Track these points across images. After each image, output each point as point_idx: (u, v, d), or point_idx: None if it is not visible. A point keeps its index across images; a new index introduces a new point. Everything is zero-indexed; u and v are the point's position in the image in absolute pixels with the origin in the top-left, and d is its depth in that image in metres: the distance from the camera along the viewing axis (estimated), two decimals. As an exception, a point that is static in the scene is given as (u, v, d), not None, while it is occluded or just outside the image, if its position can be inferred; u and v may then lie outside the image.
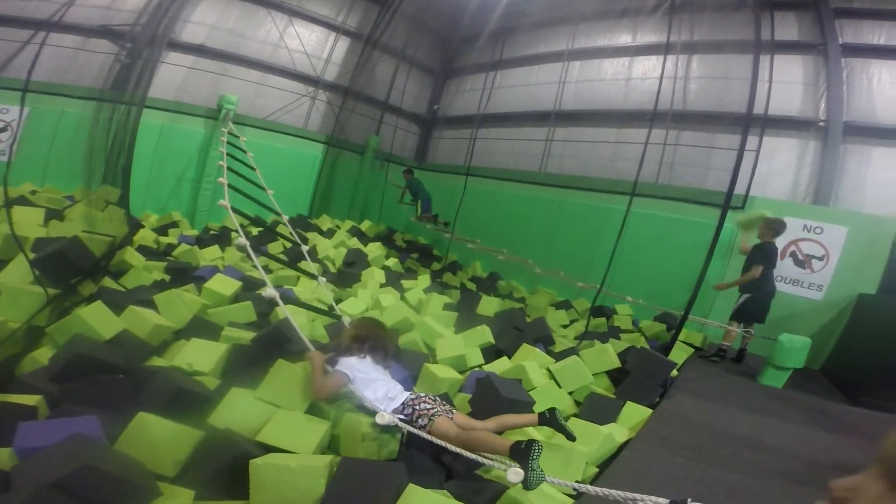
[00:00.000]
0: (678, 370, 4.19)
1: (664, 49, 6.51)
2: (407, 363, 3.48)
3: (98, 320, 2.93)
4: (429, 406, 2.47)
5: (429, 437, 2.30)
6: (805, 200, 6.48)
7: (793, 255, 5.79)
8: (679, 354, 4.50)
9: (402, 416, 2.46)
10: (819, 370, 5.27)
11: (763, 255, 4.73)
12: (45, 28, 6.55)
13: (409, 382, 3.25)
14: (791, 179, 6.67)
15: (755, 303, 4.75)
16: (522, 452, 1.99)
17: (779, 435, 3.13)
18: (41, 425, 1.87)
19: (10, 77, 6.76)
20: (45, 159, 7.06)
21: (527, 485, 1.91)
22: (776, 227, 4.84)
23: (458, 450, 2.20)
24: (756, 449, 2.84)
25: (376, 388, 2.58)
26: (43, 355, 2.65)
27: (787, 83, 6.62)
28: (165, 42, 7.47)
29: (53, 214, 5.29)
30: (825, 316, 5.51)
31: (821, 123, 6.50)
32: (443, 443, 2.26)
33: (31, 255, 3.70)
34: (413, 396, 2.56)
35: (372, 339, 2.78)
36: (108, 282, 3.94)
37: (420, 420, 2.43)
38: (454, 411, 2.55)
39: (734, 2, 6.13)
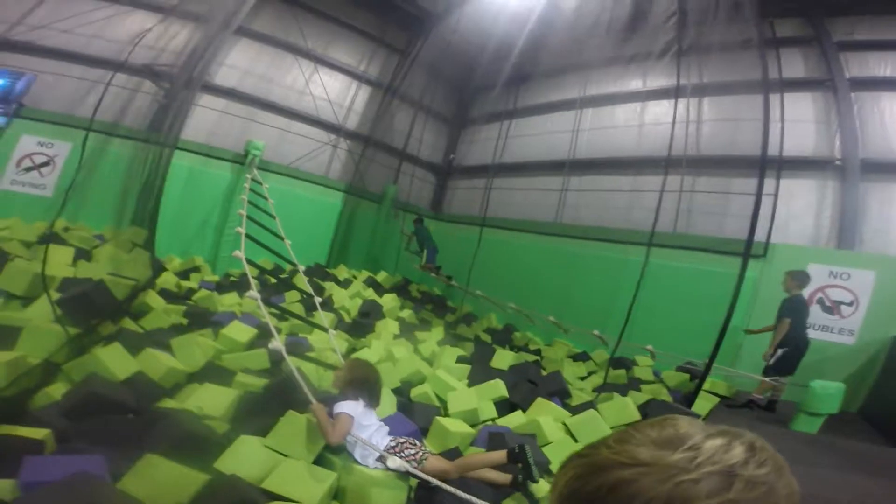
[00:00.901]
0: (704, 420, 3.95)
1: (674, 93, 6.49)
2: (418, 416, 3.39)
3: (114, 360, 2.96)
4: (413, 451, 2.55)
5: (435, 480, 2.29)
6: (828, 244, 6.22)
7: (820, 301, 5.60)
8: (703, 405, 4.29)
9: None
10: (857, 412, 4.96)
11: (791, 309, 4.62)
12: (114, 68, 6.89)
13: (418, 434, 3.14)
14: (812, 223, 6.42)
15: (790, 357, 4.59)
16: (519, 453, 2.43)
17: (811, 482, 2.88)
18: (47, 460, 1.86)
19: (59, 112, 7.20)
20: (81, 196, 7.12)
21: (534, 478, 2.27)
22: (800, 279, 4.77)
23: (453, 489, 2.20)
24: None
25: (365, 432, 2.64)
26: (57, 391, 2.67)
27: (799, 122, 6.52)
28: (201, 84, 7.75)
29: (82, 254, 5.47)
30: (858, 360, 5.25)
31: (837, 162, 6.29)
32: (438, 482, 2.27)
33: (56, 295, 3.80)
34: (393, 444, 2.61)
35: (367, 384, 2.79)
36: (127, 323, 4.00)
37: (411, 464, 2.47)
38: (433, 453, 2.69)
39: (740, 41, 6.19)
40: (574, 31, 8.93)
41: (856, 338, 5.37)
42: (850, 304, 5.48)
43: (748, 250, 4.23)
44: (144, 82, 7.72)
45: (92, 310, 3.73)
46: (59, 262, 4.88)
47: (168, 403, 2.94)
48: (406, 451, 2.56)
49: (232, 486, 2.07)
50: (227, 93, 9.01)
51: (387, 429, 2.78)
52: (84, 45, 7.53)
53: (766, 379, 4.69)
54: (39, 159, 7.26)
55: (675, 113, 6.00)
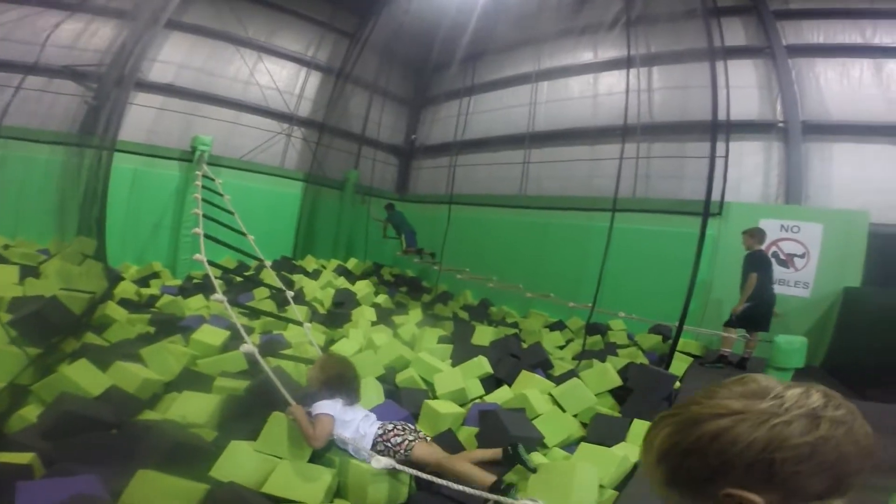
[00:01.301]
0: (680, 381, 4.20)
1: (626, 63, 6.67)
2: (406, 401, 3.41)
3: (84, 377, 2.81)
4: (399, 439, 2.52)
5: (422, 474, 2.27)
6: (778, 201, 6.68)
7: (775, 255, 5.98)
8: (679, 366, 4.51)
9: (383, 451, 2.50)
10: (820, 367, 5.35)
11: (754, 263, 4.86)
12: (21, 70, 6.37)
13: (410, 420, 3.16)
14: (761, 181, 6.86)
15: (754, 310, 4.85)
16: (513, 452, 2.47)
17: None
18: (40, 485, 1.78)
19: None
20: (15, 210, 6.66)
21: (532, 468, 2.38)
22: (758, 235, 5.03)
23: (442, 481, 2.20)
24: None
25: (349, 427, 2.60)
26: (31, 413, 2.54)
27: (743, 88, 6.88)
28: (133, 82, 7.29)
29: (29, 272, 5.10)
30: (815, 312, 5.67)
31: (780, 125, 6.72)
32: (425, 475, 2.25)
33: (7, 317, 3.55)
34: (381, 433, 2.58)
35: (342, 381, 2.69)
36: (91, 337, 3.78)
37: (397, 456, 2.45)
38: (428, 438, 2.66)
39: (684, 12, 6.42)
40: (526, 4, 8.95)
41: (811, 291, 5.77)
42: (801, 256, 5.87)
43: (707, 209, 4.42)
44: (67, 84, 7.13)
45: (48, 327, 3.52)
46: (5, 281, 4.55)
47: (149, 415, 2.84)
48: (393, 440, 2.51)
49: (233, 493, 2.04)
50: (164, 89, 8.52)
51: (373, 417, 2.74)
52: None
53: (731, 334, 4.95)
54: None
55: (627, 82, 6.17)
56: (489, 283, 7.48)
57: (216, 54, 9.16)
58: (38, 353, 3.07)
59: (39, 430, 2.33)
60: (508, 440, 2.70)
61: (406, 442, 2.51)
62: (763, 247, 5.09)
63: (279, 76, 9.86)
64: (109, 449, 2.23)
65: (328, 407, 2.53)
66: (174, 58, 8.67)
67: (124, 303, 5.10)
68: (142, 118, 8.24)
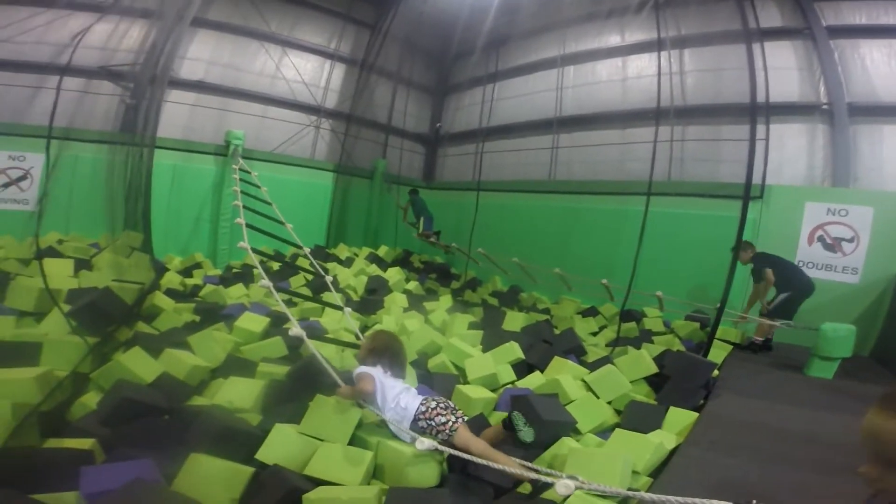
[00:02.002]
0: (719, 369, 4.10)
1: (655, 46, 6.57)
2: (438, 386, 3.46)
3: (138, 365, 2.99)
4: (443, 419, 2.46)
5: (466, 455, 2.26)
6: (824, 184, 6.39)
7: (821, 239, 5.70)
8: (718, 353, 4.40)
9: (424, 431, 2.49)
10: (869, 356, 5.11)
11: (761, 261, 4.77)
12: (54, 72, 6.67)
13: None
14: (805, 164, 6.61)
15: (792, 301, 4.71)
16: (509, 422, 2.49)
17: (836, 428, 3.01)
18: (102, 469, 1.92)
19: (20, 123, 6.92)
20: (68, 207, 7.08)
21: (525, 441, 2.42)
22: (745, 247, 4.88)
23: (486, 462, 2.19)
24: (814, 444, 2.75)
25: (389, 395, 2.60)
26: (91, 400, 2.72)
27: (782, 70, 6.65)
28: (167, 80, 7.58)
29: (82, 264, 5.42)
30: (865, 299, 5.40)
31: (824, 106, 6.46)
32: (467, 456, 2.25)
33: (66, 307, 3.80)
34: (423, 409, 2.51)
35: (388, 352, 2.77)
36: (142, 326, 4.01)
37: (440, 436, 2.43)
38: (465, 418, 2.59)
39: None
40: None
41: (860, 276, 5.48)
42: (850, 241, 5.58)
43: (748, 192, 4.25)
44: (104, 84, 7.49)
45: (104, 317, 3.74)
46: (61, 274, 4.84)
47: (198, 401, 3.00)
48: (437, 420, 2.49)
49: (278, 475, 2.14)
50: (196, 86, 8.78)
51: (414, 391, 2.71)
52: (30, 52, 7.22)
53: (775, 322, 4.79)
54: (15, 174, 7.05)
55: (659, 65, 6.01)
56: (511, 262, 7.37)
57: (242, 50, 9.36)
58: (95, 342, 3.27)
59: (99, 416, 2.50)
60: (542, 425, 2.72)
61: (450, 423, 2.46)
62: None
63: (304, 69, 10.00)
64: (163, 434, 2.38)
65: (368, 369, 2.62)
66: (202, 55, 8.91)
67: (170, 293, 5.38)
68: (177, 115, 8.53)
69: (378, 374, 2.62)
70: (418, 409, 2.52)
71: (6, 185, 7.03)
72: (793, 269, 4.77)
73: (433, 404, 2.53)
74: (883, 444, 0.79)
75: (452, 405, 2.58)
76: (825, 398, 3.64)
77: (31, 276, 4.46)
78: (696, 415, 3.06)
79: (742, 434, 2.88)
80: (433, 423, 2.46)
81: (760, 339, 4.96)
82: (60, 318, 3.58)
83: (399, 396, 2.59)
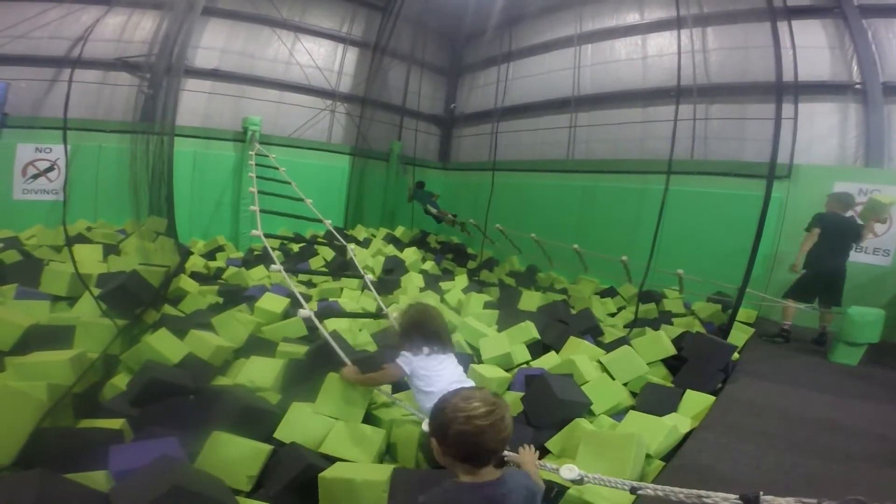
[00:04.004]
0: (739, 352, 4.02)
1: (676, 24, 6.36)
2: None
3: (165, 346, 3.12)
4: None
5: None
6: (856, 164, 6.12)
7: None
8: (739, 336, 4.30)
9: None
10: None
11: (820, 221, 4.47)
12: (69, 65, 6.79)
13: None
14: (836, 144, 6.33)
15: (812, 279, 4.49)
16: None
17: (858, 416, 2.93)
18: (130, 448, 2.03)
19: (46, 117, 7.09)
20: (94, 195, 7.37)
21: None
22: (844, 200, 4.62)
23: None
24: (834, 432, 2.69)
25: (438, 381, 2.37)
26: (121, 381, 2.86)
27: (812, 48, 6.36)
28: (182, 69, 7.67)
29: (110, 249, 5.63)
30: None
31: (857, 86, 6.18)
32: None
33: (96, 291, 3.97)
34: None
35: (421, 329, 2.46)
36: (168, 308, 4.17)
37: None
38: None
39: None
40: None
41: (892, 258, 5.25)
42: (883, 222, 5.32)
43: (772, 171, 4.08)
44: (122, 76, 7.67)
45: (132, 300, 3.89)
46: (91, 259, 5.05)
47: (221, 380, 3.12)
48: None
49: (294, 453, 2.23)
50: (211, 74, 8.86)
51: (470, 382, 2.49)
52: (46, 46, 7.36)
53: (791, 305, 4.62)
54: (43, 165, 7.30)
55: (679, 43, 5.80)
56: (531, 236, 7.30)
57: (255, 37, 9.37)
58: (124, 324, 3.42)
59: (129, 396, 2.63)
60: (556, 405, 2.73)
61: None
62: (845, 213, 4.63)
63: (317, 54, 9.96)
64: (189, 413, 2.50)
65: (403, 360, 2.40)
66: (216, 44, 8.96)
67: (195, 275, 5.55)
68: (195, 103, 8.66)
69: (416, 364, 2.39)
70: None
71: (35, 177, 7.29)
72: (831, 248, 4.51)
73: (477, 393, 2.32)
74: None
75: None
76: (849, 385, 3.54)
77: (63, 262, 4.65)
78: (712, 398, 3.03)
79: (759, 419, 2.83)
80: None
81: (789, 323, 4.72)
82: (91, 302, 3.75)
83: (451, 384, 2.33)
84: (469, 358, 3.71)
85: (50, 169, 7.33)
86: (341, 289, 5.55)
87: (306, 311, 3.19)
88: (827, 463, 2.33)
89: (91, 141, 7.29)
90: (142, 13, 7.71)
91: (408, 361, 2.39)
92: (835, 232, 4.48)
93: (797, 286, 4.62)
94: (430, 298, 5.14)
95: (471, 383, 2.49)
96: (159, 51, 7.33)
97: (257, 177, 6.21)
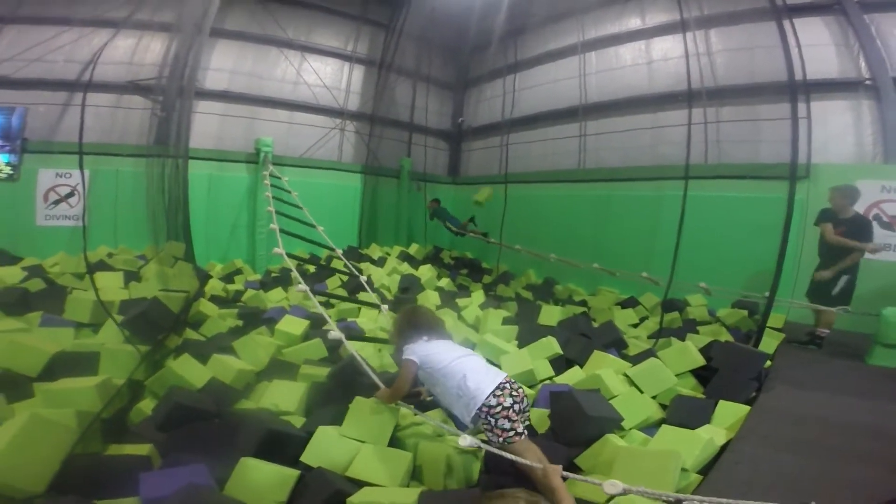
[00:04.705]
0: (771, 359, 3.90)
1: (680, 27, 6.33)
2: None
3: (188, 371, 3.13)
4: (507, 425, 2.07)
5: (511, 456, 2.06)
6: (875, 161, 6.00)
7: (876, 218, 5.34)
8: (769, 342, 4.17)
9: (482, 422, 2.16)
10: None
11: (859, 229, 4.35)
12: (82, 89, 6.84)
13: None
14: (853, 142, 6.22)
15: (852, 284, 4.39)
16: None
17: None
18: (160, 475, 2.02)
19: (65, 141, 7.16)
20: (114, 220, 7.36)
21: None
22: (848, 193, 4.46)
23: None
24: (878, 438, 2.57)
25: (444, 358, 2.31)
26: (147, 406, 2.89)
27: (817, 46, 6.31)
28: (193, 91, 7.68)
29: (131, 276, 5.71)
30: None
31: (868, 82, 6.09)
32: (520, 460, 2.01)
33: (119, 318, 4.02)
34: (494, 404, 2.09)
35: (412, 324, 2.51)
36: (189, 333, 4.20)
37: (492, 438, 2.13)
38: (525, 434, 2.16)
39: None
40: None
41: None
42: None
43: (794, 171, 4.01)
44: (136, 98, 7.76)
45: (154, 326, 3.93)
46: (113, 286, 5.12)
47: (245, 404, 3.11)
48: (501, 424, 2.08)
49: (321, 478, 2.19)
50: (222, 95, 9.02)
51: (483, 361, 2.39)
52: (61, 70, 7.48)
53: (832, 310, 4.45)
54: (63, 191, 7.39)
55: (686, 45, 5.80)
56: (549, 259, 7.23)
57: (262, 58, 9.54)
58: (147, 350, 3.44)
59: (155, 421, 2.64)
60: (586, 421, 2.65)
61: (512, 433, 2.09)
62: (852, 207, 4.49)
63: (325, 73, 10.11)
64: (214, 438, 2.49)
65: (409, 351, 2.41)
66: (225, 65, 9.14)
67: (214, 299, 5.60)
68: (207, 125, 8.79)
69: (421, 350, 2.38)
70: (488, 399, 2.10)
71: (56, 202, 7.40)
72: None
73: (508, 402, 2.10)
74: None
75: (525, 405, 2.17)
76: (890, 388, 3.41)
77: (86, 290, 4.73)
78: (747, 408, 2.92)
79: (798, 428, 2.73)
80: (492, 423, 2.09)
81: (826, 331, 4.53)
82: (115, 329, 3.78)
83: (466, 373, 2.20)
84: (490, 375, 3.65)
85: (70, 195, 7.40)
86: (359, 308, 5.55)
87: (336, 332, 3.18)
88: (873, 470, 2.22)
89: (108, 165, 7.33)
90: (151, 35, 7.80)
91: (412, 351, 2.42)
92: (866, 235, 4.37)
93: (843, 294, 4.44)
94: (448, 316, 5.11)
95: (480, 357, 2.47)
96: (170, 73, 7.42)
97: (273, 198, 6.28)
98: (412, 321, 2.57)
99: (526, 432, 2.16)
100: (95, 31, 7.62)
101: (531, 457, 2.03)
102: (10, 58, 7.22)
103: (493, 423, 2.10)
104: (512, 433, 2.09)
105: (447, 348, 2.44)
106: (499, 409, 2.10)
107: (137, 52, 7.86)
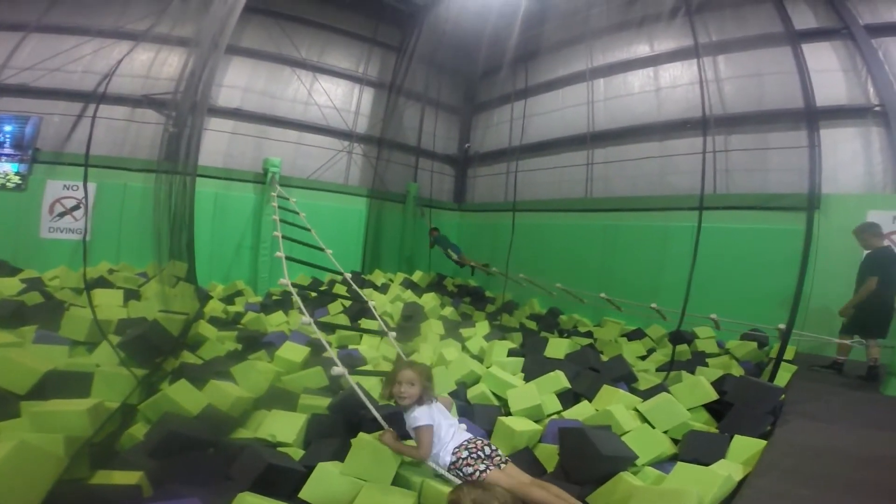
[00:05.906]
0: (784, 391, 3.77)
1: (692, 53, 6.46)
2: (479, 418, 3.32)
3: (184, 397, 3.01)
4: (470, 470, 2.37)
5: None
6: (885, 190, 5.94)
7: (889, 249, 5.27)
8: (783, 375, 4.07)
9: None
10: None
11: (877, 265, 4.36)
12: (94, 100, 6.84)
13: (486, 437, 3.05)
14: (863, 170, 6.14)
15: (868, 315, 4.33)
16: None
17: None
18: (153, 509, 1.89)
19: (74, 153, 7.07)
20: (118, 236, 7.26)
21: None
22: (875, 230, 4.51)
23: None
24: (899, 470, 2.45)
25: (445, 433, 2.52)
26: (139, 431, 2.76)
27: (824, 72, 6.29)
28: (206, 108, 7.60)
29: (131, 294, 5.63)
30: None
31: (877, 108, 6.04)
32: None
33: (116, 338, 3.92)
34: (454, 460, 2.43)
35: (431, 388, 2.62)
36: (187, 355, 4.08)
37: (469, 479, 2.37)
38: (507, 462, 2.46)
39: None
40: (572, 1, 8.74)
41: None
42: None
43: (812, 201, 3.97)
44: (148, 113, 7.71)
45: (152, 350, 3.82)
46: (111, 304, 5.04)
47: (242, 433, 2.99)
48: (465, 470, 2.38)
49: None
50: (233, 113, 9.08)
51: (463, 427, 2.68)
52: (78, 81, 7.50)
53: (846, 342, 4.45)
54: (69, 203, 7.29)
55: (700, 72, 5.81)
56: (553, 290, 7.15)
57: (275, 77, 9.63)
58: (144, 374, 3.33)
59: (146, 448, 2.51)
60: (600, 460, 2.54)
61: (477, 473, 2.36)
62: (882, 242, 4.51)
63: (335, 94, 10.21)
64: (209, 469, 2.37)
65: (426, 416, 2.49)
66: (238, 82, 9.22)
67: (213, 320, 5.49)
68: (216, 143, 8.80)
69: (434, 417, 2.51)
70: (450, 460, 2.45)
71: (62, 215, 7.31)
72: (889, 282, 4.35)
73: (464, 454, 2.44)
74: None
75: (488, 449, 2.46)
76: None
77: (84, 307, 4.64)
78: (763, 443, 2.80)
79: (818, 461, 2.60)
80: (461, 475, 2.40)
81: (844, 358, 4.58)
82: (110, 350, 3.68)
83: (454, 437, 2.51)
84: (496, 410, 3.53)
85: (76, 207, 7.30)
86: (360, 335, 5.43)
87: (340, 368, 3.08)
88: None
89: (116, 179, 7.27)
90: (168, 50, 7.82)
91: (430, 417, 2.49)
92: (891, 268, 4.36)
93: (854, 323, 4.47)
94: (453, 347, 4.99)
95: (455, 423, 2.64)
96: (185, 88, 7.37)
97: (281, 220, 6.22)
98: (429, 385, 2.61)
99: (500, 465, 2.43)
100: (115, 43, 7.70)
101: (505, 483, 2.26)
102: (30, 66, 7.25)
103: (461, 475, 2.41)
104: (477, 473, 2.37)
105: (444, 416, 2.59)
106: (457, 461, 2.43)
107: (154, 65, 7.87)
